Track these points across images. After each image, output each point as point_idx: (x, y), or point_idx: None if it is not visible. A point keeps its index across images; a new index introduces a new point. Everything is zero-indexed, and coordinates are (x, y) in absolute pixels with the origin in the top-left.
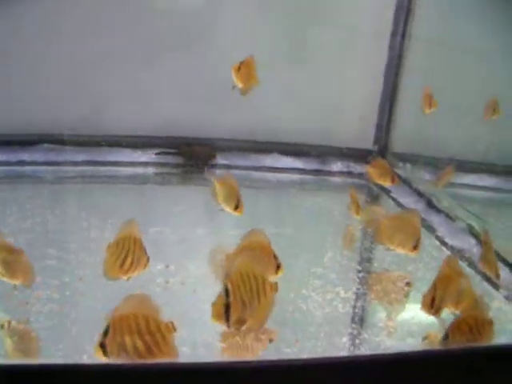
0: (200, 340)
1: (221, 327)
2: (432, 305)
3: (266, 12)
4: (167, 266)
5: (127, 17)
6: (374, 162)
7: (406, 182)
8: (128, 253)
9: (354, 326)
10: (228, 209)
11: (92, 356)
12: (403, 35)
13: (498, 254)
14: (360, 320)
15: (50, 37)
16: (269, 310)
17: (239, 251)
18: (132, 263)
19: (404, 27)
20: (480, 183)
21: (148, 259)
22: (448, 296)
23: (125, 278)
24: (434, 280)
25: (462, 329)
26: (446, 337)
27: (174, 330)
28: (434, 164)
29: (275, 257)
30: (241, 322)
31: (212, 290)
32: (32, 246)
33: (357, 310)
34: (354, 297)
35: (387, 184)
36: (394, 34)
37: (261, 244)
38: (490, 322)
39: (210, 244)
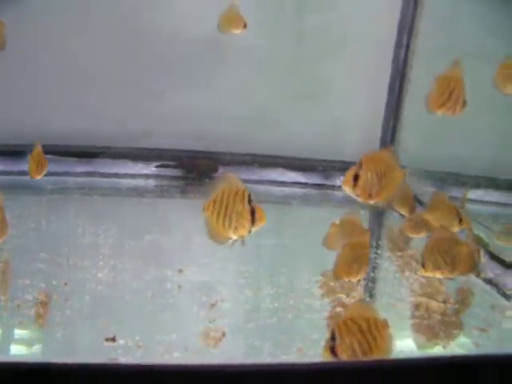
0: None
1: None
2: (355, 183)
3: (275, 29)
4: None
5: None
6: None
7: None
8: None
9: None
10: None
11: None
12: (407, 48)
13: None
14: None
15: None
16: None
17: None
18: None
19: (408, 40)
20: (487, 198)
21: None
22: (376, 180)
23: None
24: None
25: (351, 329)
26: (332, 337)
27: None
28: (440, 179)
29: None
30: None
31: (208, 295)
32: (23, 250)
33: None
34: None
35: (406, 214)
36: (397, 47)
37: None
38: (384, 325)
39: (207, 252)
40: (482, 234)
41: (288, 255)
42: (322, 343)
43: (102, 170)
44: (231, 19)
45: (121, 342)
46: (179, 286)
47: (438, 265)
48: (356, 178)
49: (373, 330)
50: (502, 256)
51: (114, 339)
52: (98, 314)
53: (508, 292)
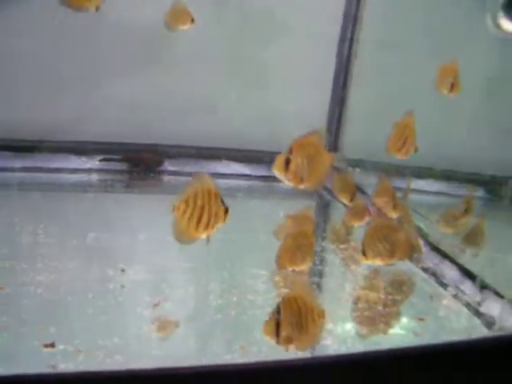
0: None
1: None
2: (287, 167)
3: (217, 19)
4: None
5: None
6: (339, 175)
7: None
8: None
9: None
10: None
11: None
12: (351, 41)
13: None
14: None
15: None
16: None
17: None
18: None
19: (352, 33)
20: (428, 188)
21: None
22: (306, 164)
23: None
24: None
25: (293, 308)
26: (278, 310)
27: None
28: (383, 169)
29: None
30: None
31: (152, 295)
32: None
33: None
34: None
35: (346, 201)
36: (342, 40)
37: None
38: (321, 314)
39: (151, 250)
40: (422, 225)
41: (232, 250)
42: (265, 340)
43: (42, 165)
44: (178, 15)
45: (60, 347)
46: (122, 286)
47: (379, 251)
48: (287, 162)
49: (309, 316)
50: (440, 246)
51: (53, 345)
52: (37, 318)
53: (445, 281)
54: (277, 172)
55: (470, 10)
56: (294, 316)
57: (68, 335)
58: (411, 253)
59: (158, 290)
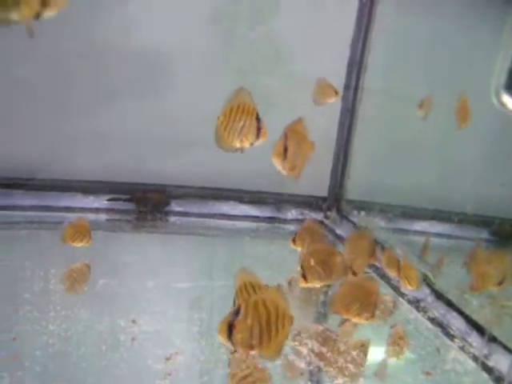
0: None
1: None
2: (285, 154)
3: (222, 63)
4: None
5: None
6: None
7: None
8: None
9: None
10: None
11: None
12: (356, 88)
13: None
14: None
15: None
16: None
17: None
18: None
19: (356, 80)
20: (431, 230)
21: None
22: (298, 153)
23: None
24: (283, 132)
25: (259, 311)
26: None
27: None
28: (388, 211)
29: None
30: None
31: (163, 347)
32: None
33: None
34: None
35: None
36: (346, 88)
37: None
38: (290, 318)
39: (161, 298)
40: (428, 273)
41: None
42: None
43: (51, 204)
44: (324, 91)
45: None
46: (133, 339)
47: (318, 274)
48: (285, 150)
49: (275, 322)
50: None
51: None
52: (51, 372)
53: (452, 332)
54: (276, 161)
55: (476, 61)
56: (256, 319)
57: None
58: (345, 273)
59: (169, 343)
